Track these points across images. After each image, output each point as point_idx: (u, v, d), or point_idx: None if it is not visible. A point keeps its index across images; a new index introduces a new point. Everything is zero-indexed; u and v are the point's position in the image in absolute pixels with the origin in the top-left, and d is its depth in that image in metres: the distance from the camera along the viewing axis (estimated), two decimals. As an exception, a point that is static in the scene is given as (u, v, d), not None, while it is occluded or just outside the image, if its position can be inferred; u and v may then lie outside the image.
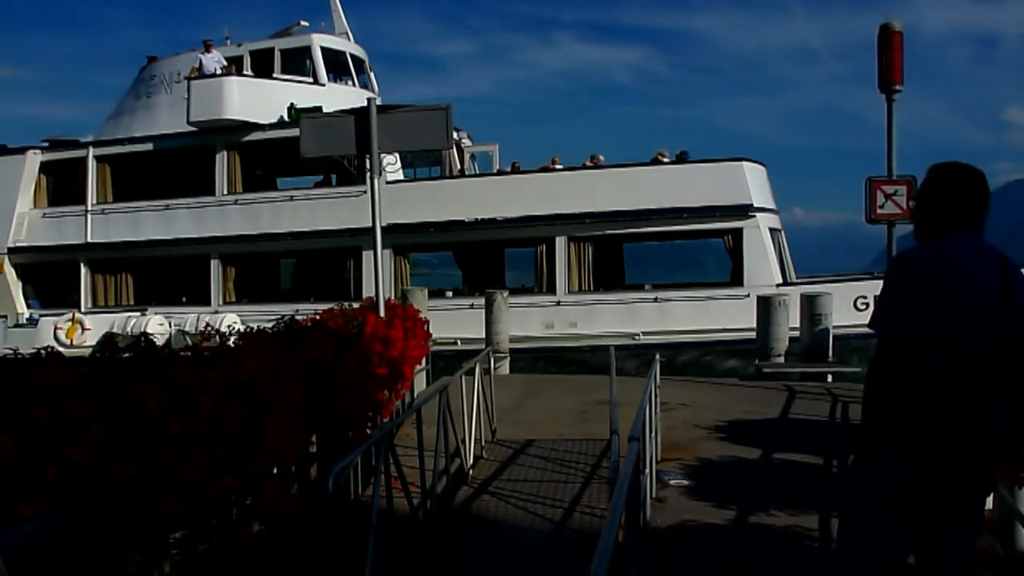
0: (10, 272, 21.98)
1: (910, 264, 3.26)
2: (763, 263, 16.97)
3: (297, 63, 21.50)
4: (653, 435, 6.76)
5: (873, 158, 15.87)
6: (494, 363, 10.60)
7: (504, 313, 15.24)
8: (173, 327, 18.99)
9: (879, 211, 11.65)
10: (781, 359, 13.67)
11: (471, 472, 7.54)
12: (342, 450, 5.05)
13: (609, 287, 18.19)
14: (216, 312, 19.24)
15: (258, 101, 20.23)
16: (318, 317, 6.48)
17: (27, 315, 21.65)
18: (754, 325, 13.98)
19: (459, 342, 17.00)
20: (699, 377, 14.11)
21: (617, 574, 3.70)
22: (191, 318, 18.94)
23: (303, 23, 22.74)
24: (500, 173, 20.09)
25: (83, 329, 19.95)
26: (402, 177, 19.52)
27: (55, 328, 19.58)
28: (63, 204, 22.00)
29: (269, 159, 21.49)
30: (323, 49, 21.63)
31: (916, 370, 3.06)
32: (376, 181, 8.53)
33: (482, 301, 16.02)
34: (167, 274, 21.02)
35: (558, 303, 17.58)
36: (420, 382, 10.02)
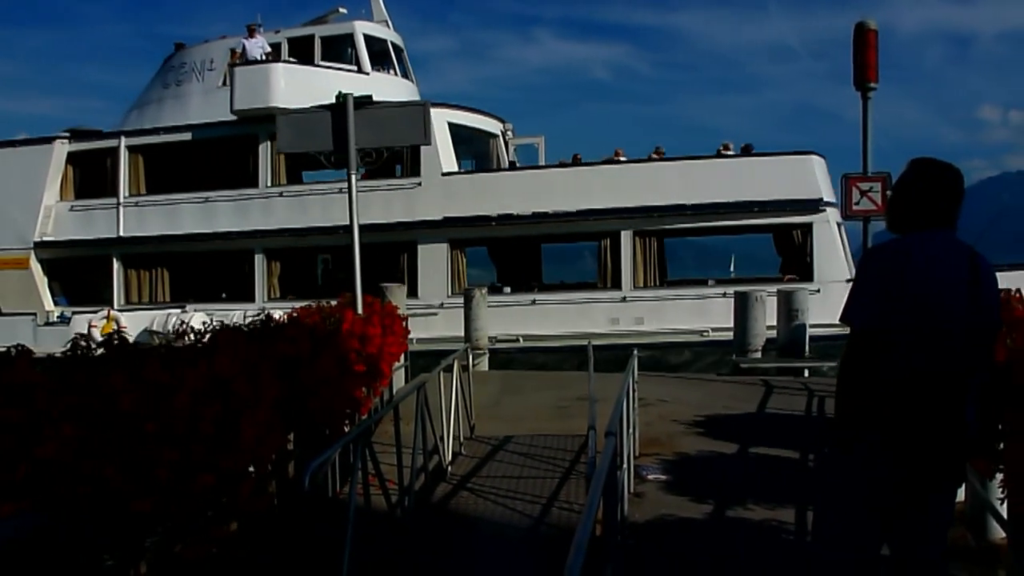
0: (36, 268, 20.86)
1: (883, 258, 3.29)
2: (834, 257, 16.72)
3: (338, 51, 20.62)
4: (631, 430, 6.79)
5: (849, 155, 16.00)
6: (473, 360, 10.58)
7: (483, 310, 15.21)
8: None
9: (854, 207, 11.73)
10: (759, 354, 13.76)
11: (449, 469, 7.53)
12: (320, 448, 5.03)
13: (674, 282, 17.85)
14: (262, 308, 18.37)
15: (304, 89, 18.89)
16: (295, 314, 6.45)
17: (58, 312, 20.44)
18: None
19: (521, 339, 16.69)
20: (681, 373, 14.18)
21: (594, 569, 3.72)
22: (237, 315, 18.28)
23: (341, 10, 21.63)
24: (563, 165, 19.21)
25: (119, 326, 19.23)
26: (452, 169, 18.69)
27: (89, 326, 18.74)
28: (91, 196, 20.94)
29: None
30: (366, 37, 20.79)
31: (895, 365, 3.08)
32: (354, 177, 8.49)
33: (543, 297, 15.78)
34: (207, 269, 20.12)
35: (624, 299, 17.18)
36: (399, 379, 10.00)
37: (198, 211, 19.96)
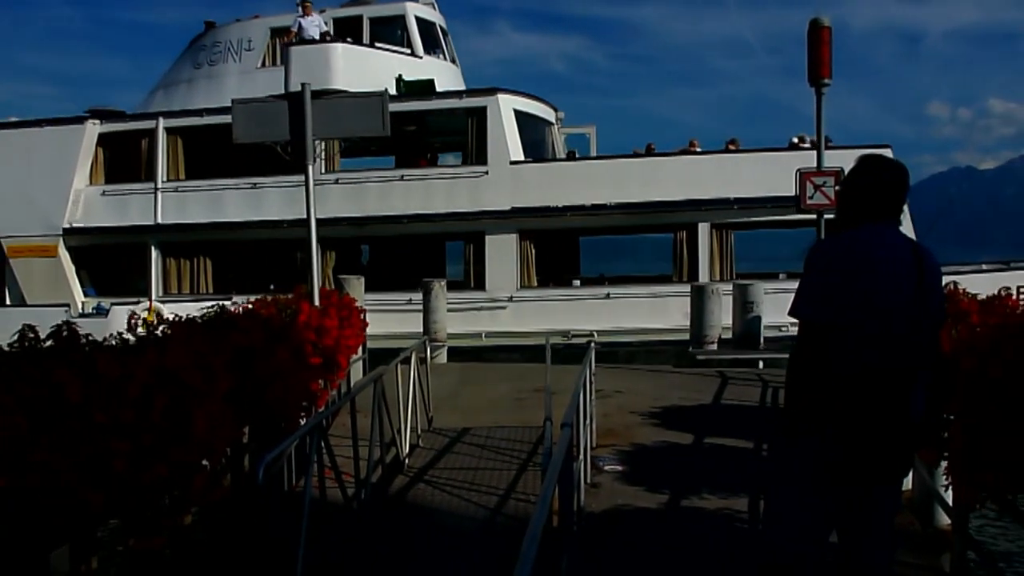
0: (65, 256, 19.50)
1: (831, 253, 3.34)
2: None
3: (387, 33, 19.80)
4: (588, 422, 6.83)
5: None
6: (431, 352, 10.56)
7: (442, 302, 15.16)
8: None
9: (809, 201, 11.94)
10: (714, 346, 13.93)
11: (407, 461, 7.52)
12: (276, 441, 5.00)
13: (745, 275, 17.12)
14: None
15: (363, 71, 18.20)
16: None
17: (94, 304, 19.10)
18: None
19: (595, 334, 16.06)
20: (639, 365, 14.28)
21: (551, 558, 3.75)
22: None
23: None
24: (637, 155, 18.54)
25: (160, 319, 18.05)
26: (519, 158, 17.91)
27: (130, 318, 17.82)
28: (123, 181, 19.63)
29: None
30: (417, 19, 19.95)
31: (844, 359, 3.13)
32: (311, 169, 8.42)
33: (616, 290, 15.32)
34: (254, 259, 19.00)
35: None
36: (357, 372, 9.94)
37: (244, 198, 18.84)
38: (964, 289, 5.81)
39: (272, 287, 18.35)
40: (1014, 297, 5.09)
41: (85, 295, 19.57)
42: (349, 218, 18.05)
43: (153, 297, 18.76)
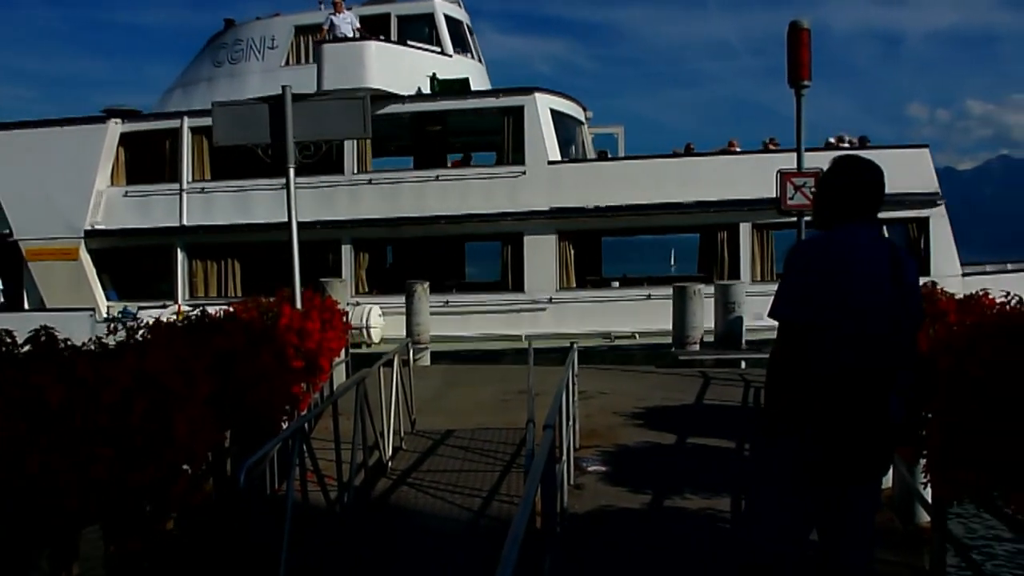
0: (86, 259, 18.87)
1: (809, 253, 3.37)
2: (948, 252, 16.55)
3: (415, 30, 19.42)
4: (571, 423, 6.85)
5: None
6: (414, 354, 10.54)
7: (424, 304, 15.14)
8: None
9: (789, 202, 12.00)
10: (696, 347, 13.99)
11: (390, 464, 7.50)
12: (258, 445, 4.97)
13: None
14: (358, 304, 16.90)
15: (396, 70, 18.11)
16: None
17: (120, 308, 18.37)
18: None
19: (637, 335, 16.12)
20: (622, 365, 14.30)
21: (534, 560, 3.75)
22: None
23: None
24: (676, 155, 18.39)
25: None
26: (557, 158, 17.73)
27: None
28: (146, 181, 19.06)
29: (403, 135, 19.66)
30: (446, 17, 19.55)
31: (824, 359, 3.16)
32: (292, 171, 8.39)
33: (656, 291, 15.09)
34: (283, 261, 18.82)
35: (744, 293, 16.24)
36: (340, 375, 9.91)
37: (274, 198, 18.15)
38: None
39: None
40: (991, 297, 5.15)
41: (107, 298, 19.07)
42: (383, 219, 17.78)
43: (178, 300, 18.33)
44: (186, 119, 19.11)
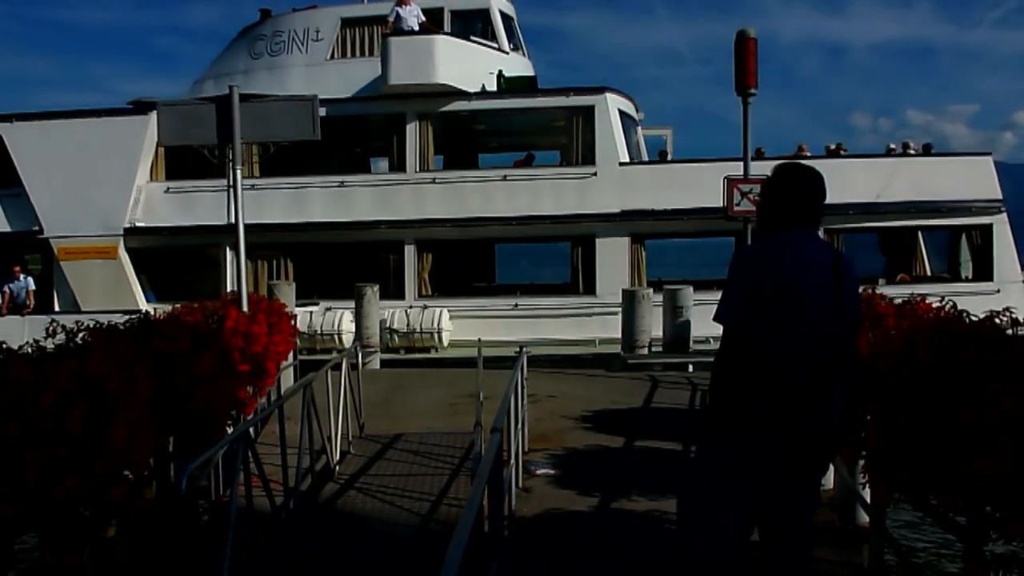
0: (125, 258, 17.88)
1: (754, 259, 3.42)
2: (1010, 258, 16.62)
3: (468, 26, 18.73)
4: (520, 426, 6.86)
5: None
6: (363, 358, 10.46)
7: (374, 307, 15.03)
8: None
9: (736, 208, 12.20)
10: (645, 350, 14.12)
11: (337, 468, 7.44)
12: (203, 450, 4.89)
13: (862, 280, 17.14)
14: (424, 307, 16.61)
15: (461, 66, 17.53)
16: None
17: (168, 310, 17.42)
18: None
19: (711, 340, 15.81)
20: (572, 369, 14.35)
21: (480, 563, 3.75)
22: (396, 314, 16.25)
23: None
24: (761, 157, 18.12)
25: None
26: (627, 159, 17.42)
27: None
28: (188, 177, 17.96)
29: (467, 133, 19.19)
30: (501, 13, 18.93)
31: (768, 363, 3.21)
32: (239, 173, 8.27)
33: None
34: (340, 262, 17.89)
35: None
36: (288, 379, 9.80)
37: (331, 197, 17.71)
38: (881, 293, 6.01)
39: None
40: (927, 302, 5.29)
41: (145, 300, 18.00)
42: (448, 219, 17.29)
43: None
44: None
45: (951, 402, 3.57)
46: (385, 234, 17.50)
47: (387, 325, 16.21)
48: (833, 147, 18.56)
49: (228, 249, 17.56)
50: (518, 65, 19.10)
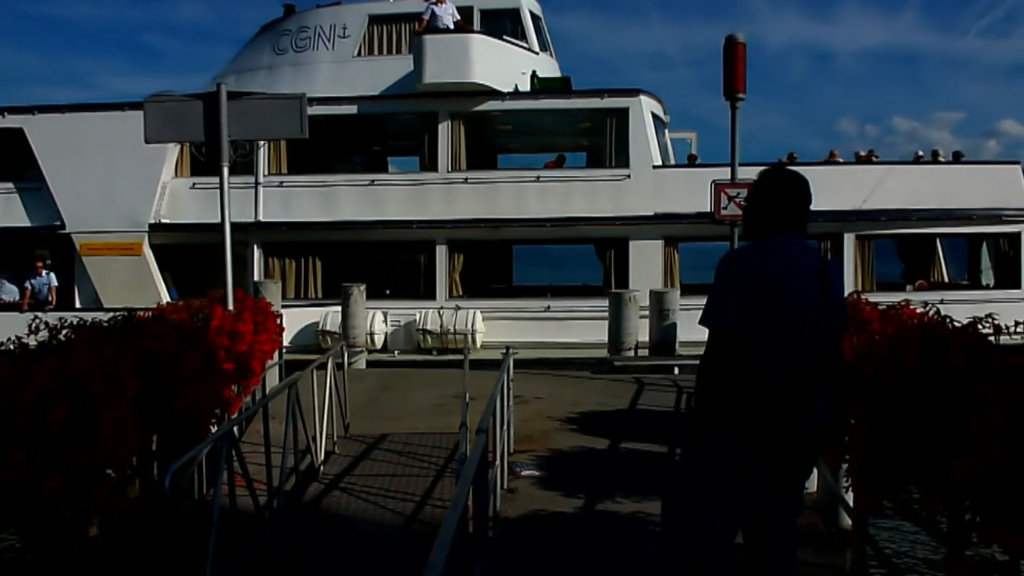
0: (149, 255, 17.55)
1: (738, 262, 3.44)
2: None
3: (498, 25, 18.39)
4: (505, 427, 6.86)
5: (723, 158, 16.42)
6: (349, 358, 10.44)
7: (360, 308, 14.99)
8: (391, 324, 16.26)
9: (723, 212, 12.25)
10: (631, 352, 14.15)
11: (322, 468, 7.41)
12: (186, 449, 4.87)
13: (884, 286, 17.08)
14: (457, 307, 16.41)
15: (496, 66, 17.34)
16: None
17: None
18: None
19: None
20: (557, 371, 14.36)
21: (464, 564, 3.75)
22: (429, 314, 16.11)
23: None
24: (781, 164, 17.81)
25: None
26: (660, 162, 17.32)
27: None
28: (211, 173, 17.48)
29: (487, 133, 19.01)
30: (531, 14, 18.68)
31: (755, 366, 3.22)
32: (226, 171, 8.24)
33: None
34: (370, 262, 17.68)
35: None
36: (273, 378, 9.76)
37: (360, 196, 17.47)
38: (866, 299, 6.05)
39: (388, 292, 17.34)
40: (911, 307, 5.32)
41: (169, 297, 17.55)
42: (480, 219, 17.11)
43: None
44: None
45: (934, 407, 3.60)
46: (416, 234, 17.29)
47: (419, 326, 16.17)
48: (864, 154, 18.70)
49: (255, 247, 17.62)
50: (547, 66, 19.03)
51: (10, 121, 17.82)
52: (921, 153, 18.47)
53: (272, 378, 9.57)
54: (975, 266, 18.14)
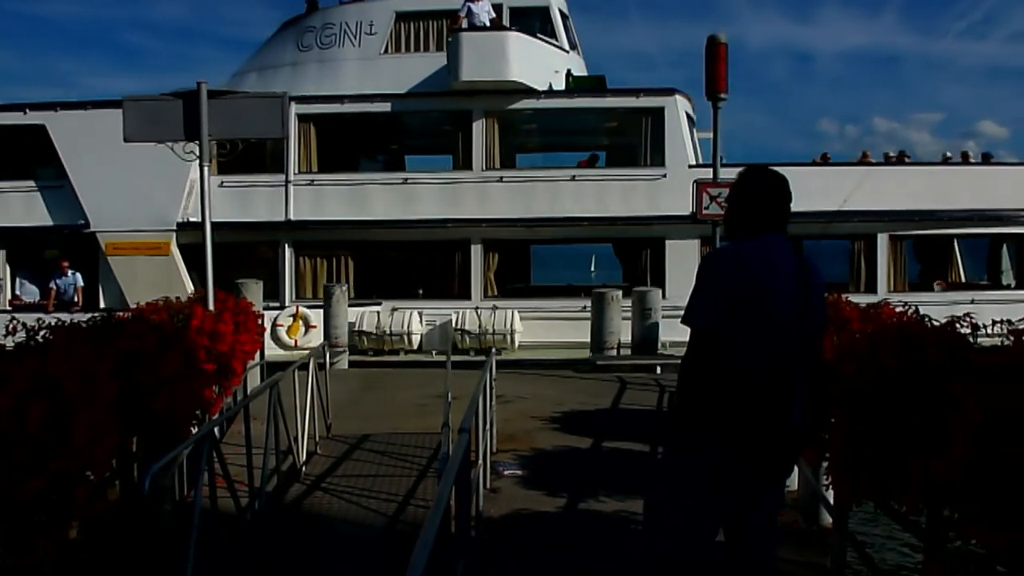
0: (177, 254, 17.17)
1: (722, 262, 3.44)
2: None
3: (527, 23, 18.19)
4: (488, 427, 6.86)
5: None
6: (331, 358, 10.40)
7: (343, 307, 14.94)
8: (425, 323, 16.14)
9: (704, 211, 12.29)
10: (614, 352, 14.18)
11: (304, 469, 7.38)
12: (167, 450, 4.83)
13: (916, 286, 17.27)
14: (494, 307, 16.39)
15: (532, 64, 17.21)
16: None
17: None
18: None
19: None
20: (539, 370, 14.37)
21: (446, 563, 3.75)
22: (467, 314, 15.99)
23: None
24: (815, 164, 18.31)
25: (307, 327, 16.10)
26: (695, 161, 17.19)
27: (274, 324, 15.52)
28: (240, 171, 17.01)
29: (517, 132, 18.84)
30: (560, 12, 18.64)
31: (735, 365, 3.23)
32: (207, 170, 8.20)
33: None
34: (404, 261, 17.79)
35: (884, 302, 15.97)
36: (255, 379, 9.71)
37: (394, 193, 17.31)
38: (847, 298, 6.08)
39: (421, 292, 17.21)
40: (890, 306, 5.36)
41: None
42: (516, 219, 16.97)
43: (286, 301, 16.88)
44: (293, 105, 17.16)
45: (913, 405, 3.63)
46: (451, 233, 17.13)
47: (457, 326, 16.06)
48: (895, 154, 18.85)
49: (287, 246, 17.45)
50: (576, 64, 18.99)
51: (32, 118, 17.46)
52: (949, 155, 18.59)
53: (254, 378, 9.52)
54: (995, 266, 18.28)
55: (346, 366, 14.40)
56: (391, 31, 18.18)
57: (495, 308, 16.40)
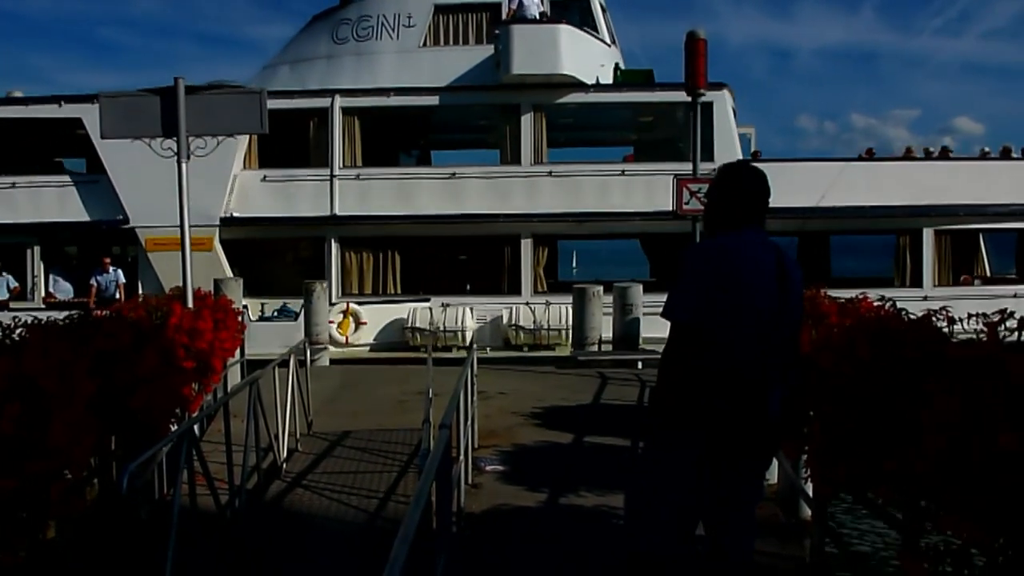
0: (220, 250, 16.90)
1: (702, 257, 3.47)
2: None
3: (567, 16, 17.98)
4: (469, 423, 6.86)
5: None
6: (311, 355, 10.36)
7: (323, 304, 14.87)
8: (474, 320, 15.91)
9: (684, 207, 12.36)
10: (595, 347, 14.21)
11: (284, 466, 7.35)
12: (146, 449, 4.80)
13: (959, 283, 17.29)
14: (547, 303, 16.23)
15: (582, 57, 17.12)
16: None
17: (280, 305, 16.64)
18: None
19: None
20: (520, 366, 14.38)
21: (427, 559, 3.74)
22: (520, 310, 15.89)
23: None
24: (860, 159, 18.40)
25: (357, 324, 16.05)
26: (741, 156, 17.17)
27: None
28: (282, 165, 17.15)
29: (561, 125, 18.65)
30: (600, 5, 18.55)
31: (715, 358, 3.26)
32: (184, 167, 8.14)
33: (834, 292, 15.28)
34: (451, 257, 17.56)
35: (925, 298, 15.28)
36: (235, 376, 9.65)
37: (442, 188, 17.14)
38: (825, 292, 6.13)
39: (468, 287, 17.08)
40: (870, 300, 5.40)
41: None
42: (564, 213, 16.85)
43: (332, 298, 16.42)
44: (338, 98, 17.30)
45: (888, 399, 3.66)
46: (501, 228, 16.99)
47: (511, 322, 15.95)
48: (934, 151, 18.94)
49: (333, 241, 17.26)
50: (617, 58, 18.94)
51: (68, 111, 17.07)
52: (987, 150, 18.75)
53: (234, 376, 9.47)
54: (1023, 262, 18.46)
55: (327, 363, 14.34)
56: (430, 24, 17.98)
57: (548, 304, 16.25)
